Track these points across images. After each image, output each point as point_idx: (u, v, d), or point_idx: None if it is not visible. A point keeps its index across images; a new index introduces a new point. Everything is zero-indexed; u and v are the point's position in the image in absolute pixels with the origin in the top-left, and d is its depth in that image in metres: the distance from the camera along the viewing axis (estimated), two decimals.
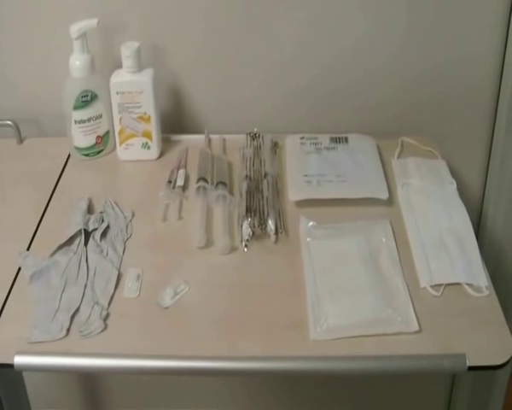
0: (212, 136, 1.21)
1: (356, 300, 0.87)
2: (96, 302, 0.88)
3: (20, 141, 1.23)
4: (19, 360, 0.81)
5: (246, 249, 0.97)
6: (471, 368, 0.79)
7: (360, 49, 1.19)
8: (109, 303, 0.89)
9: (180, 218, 1.04)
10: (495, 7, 1.15)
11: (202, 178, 1.08)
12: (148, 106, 1.13)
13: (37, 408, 1.28)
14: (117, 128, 1.15)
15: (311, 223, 1.00)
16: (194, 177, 1.10)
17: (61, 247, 0.97)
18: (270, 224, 0.99)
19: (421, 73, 1.21)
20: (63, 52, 1.12)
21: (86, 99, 1.13)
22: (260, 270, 0.94)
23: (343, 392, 1.51)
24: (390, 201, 1.05)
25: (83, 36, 1.11)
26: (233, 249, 0.97)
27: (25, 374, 1.18)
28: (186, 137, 1.22)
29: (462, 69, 1.20)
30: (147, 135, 1.15)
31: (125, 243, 0.99)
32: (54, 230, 1.01)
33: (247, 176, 1.09)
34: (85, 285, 0.91)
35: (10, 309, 0.89)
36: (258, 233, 0.99)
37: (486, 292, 0.89)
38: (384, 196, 1.04)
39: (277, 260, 0.96)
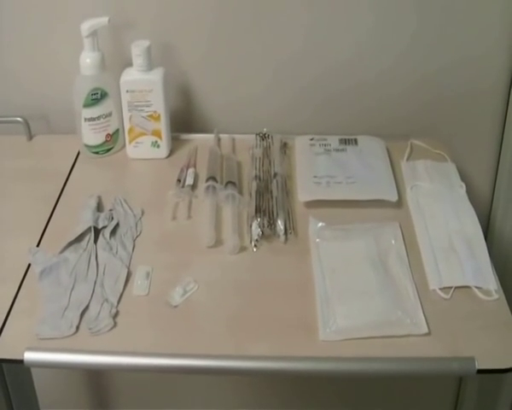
0: (221, 135, 1.21)
1: (365, 301, 0.87)
2: (106, 300, 0.89)
3: (30, 138, 1.23)
4: (29, 356, 0.81)
5: (255, 249, 0.97)
6: (480, 371, 0.79)
7: (369, 50, 1.19)
8: (119, 301, 0.89)
9: (189, 217, 1.04)
10: (503, 6, 1.14)
11: (212, 178, 1.08)
12: (158, 105, 1.13)
13: (45, 407, 1.28)
14: (127, 126, 1.15)
15: (320, 224, 1.00)
16: (203, 176, 1.10)
17: (70, 244, 0.97)
18: (280, 224, 0.99)
19: (430, 74, 1.21)
20: (73, 50, 1.12)
21: (96, 97, 1.13)
22: (269, 270, 0.94)
23: (349, 392, 1.51)
24: (399, 203, 1.04)
25: (93, 34, 1.11)
26: (242, 249, 0.97)
27: (33, 373, 1.18)
28: (195, 137, 1.22)
29: (471, 71, 1.20)
30: (156, 134, 1.15)
31: (134, 240, 0.99)
32: (63, 227, 1.01)
33: (256, 176, 1.09)
34: (95, 282, 0.91)
35: (20, 305, 0.89)
36: (268, 233, 0.99)
37: (496, 296, 0.89)
38: (393, 198, 1.04)
39: (286, 260, 0.96)
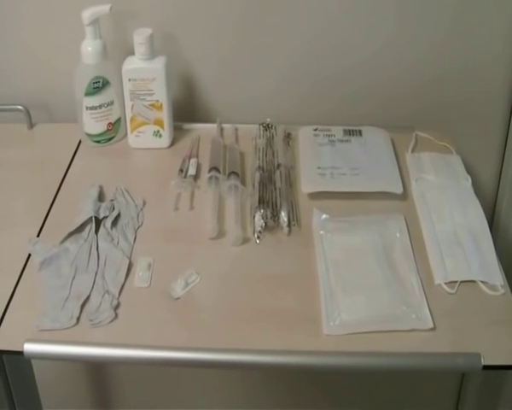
0: (224, 125, 1.20)
1: (370, 295, 0.86)
2: (107, 291, 0.88)
3: (31, 126, 1.22)
4: (28, 347, 0.80)
5: (258, 241, 0.96)
6: (486, 367, 0.78)
7: (371, 50, 1.18)
8: (120, 292, 0.88)
9: (192, 207, 1.03)
10: None
11: (214, 168, 1.07)
12: (161, 94, 1.12)
13: (47, 407, 1.27)
14: (128, 115, 1.14)
15: (324, 216, 0.99)
16: (205, 166, 1.09)
17: (71, 234, 0.96)
18: (283, 216, 0.98)
19: (436, 68, 1.19)
20: (75, 38, 1.11)
21: (98, 85, 1.12)
22: (272, 262, 0.93)
23: (349, 387, 1.51)
24: (404, 195, 1.03)
25: (95, 22, 1.09)
26: (245, 241, 0.96)
27: (35, 373, 1.17)
28: (198, 126, 1.21)
29: (477, 65, 1.19)
30: (158, 123, 1.14)
31: (135, 231, 0.98)
32: (64, 217, 1.00)
33: (259, 167, 1.08)
34: (96, 273, 0.90)
35: (20, 296, 0.88)
36: (271, 225, 0.98)
37: (502, 290, 0.88)
38: (398, 190, 1.03)
39: (290, 252, 0.95)
